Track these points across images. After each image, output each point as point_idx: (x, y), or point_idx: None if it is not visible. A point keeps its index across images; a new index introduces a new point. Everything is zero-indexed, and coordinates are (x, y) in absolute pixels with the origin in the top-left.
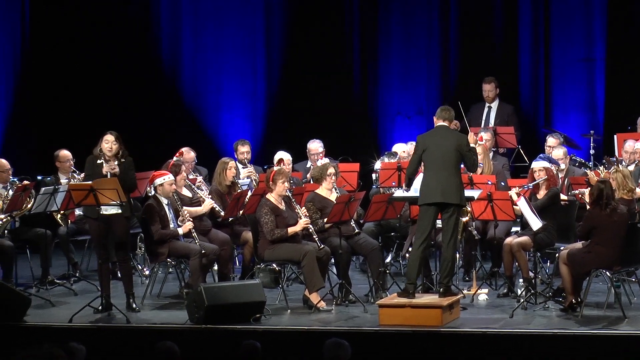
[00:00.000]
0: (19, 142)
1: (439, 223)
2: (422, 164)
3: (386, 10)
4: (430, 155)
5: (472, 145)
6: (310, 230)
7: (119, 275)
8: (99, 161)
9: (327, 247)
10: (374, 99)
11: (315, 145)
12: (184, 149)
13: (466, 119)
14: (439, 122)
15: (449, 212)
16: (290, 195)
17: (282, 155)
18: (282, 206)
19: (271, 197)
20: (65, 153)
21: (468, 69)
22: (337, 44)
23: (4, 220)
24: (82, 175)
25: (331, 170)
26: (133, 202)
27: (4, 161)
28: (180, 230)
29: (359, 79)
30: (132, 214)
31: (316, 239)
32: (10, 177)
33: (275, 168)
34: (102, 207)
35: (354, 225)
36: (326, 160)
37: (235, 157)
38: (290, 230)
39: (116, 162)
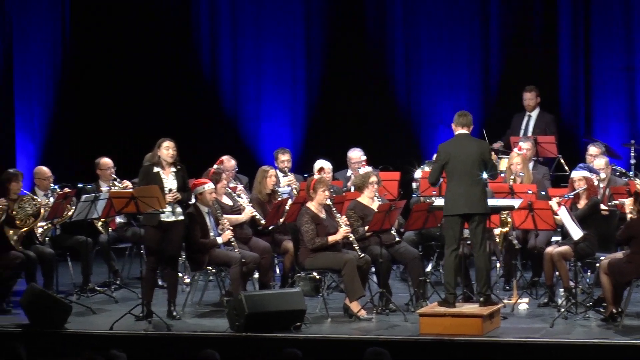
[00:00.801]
0: (60, 150)
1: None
2: (445, 173)
3: (429, 19)
4: (453, 165)
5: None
6: (351, 239)
7: (160, 282)
8: (154, 170)
9: (367, 255)
10: (414, 108)
11: (355, 154)
12: (224, 157)
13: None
14: (458, 130)
15: (475, 221)
16: (330, 203)
17: (323, 163)
18: (323, 215)
19: (312, 205)
20: (106, 161)
21: (509, 77)
22: (378, 52)
23: (45, 227)
24: (124, 183)
25: (373, 178)
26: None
27: (45, 169)
28: (220, 239)
29: (400, 87)
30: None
31: (356, 247)
32: (52, 185)
33: (316, 177)
34: (162, 214)
35: (394, 233)
36: (369, 168)
37: (276, 165)
38: (331, 239)
39: (173, 169)
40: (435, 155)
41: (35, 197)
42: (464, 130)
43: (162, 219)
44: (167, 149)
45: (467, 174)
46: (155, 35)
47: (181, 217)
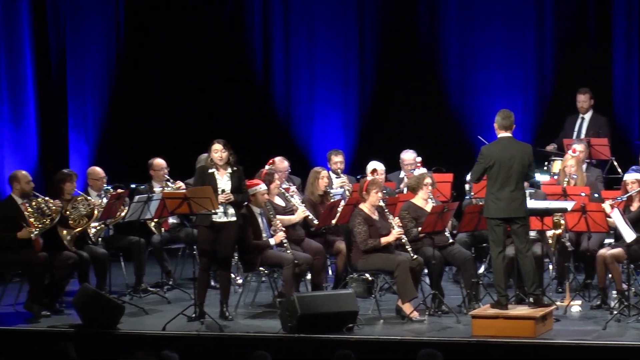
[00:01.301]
0: (113, 151)
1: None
2: (486, 175)
3: (482, 20)
4: (497, 169)
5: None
6: (404, 240)
7: (212, 283)
8: (209, 170)
9: (419, 257)
10: (468, 109)
11: (408, 156)
12: (277, 158)
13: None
14: (501, 132)
15: (517, 224)
16: (383, 205)
17: (376, 165)
18: (375, 216)
19: (364, 207)
20: (159, 161)
21: (563, 79)
22: (431, 53)
23: (98, 228)
24: (177, 183)
25: (428, 180)
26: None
27: (98, 169)
28: (272, 241)
29: (453, 88)
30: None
31: (409, 249)
32: (105, 185)
33: (369, 178)
34: (215, 215)
35: (448, 235)
36: (423, 170)
37: (329, 167)
38: (384, 240)
39: (229, 170)
40: (478, 157)
41: (88, 198)
42: (507, 133)
43: (214, 220)
44: (215, 152)
45: (510, 178)
46: (209, 36)
47: (234, 219)
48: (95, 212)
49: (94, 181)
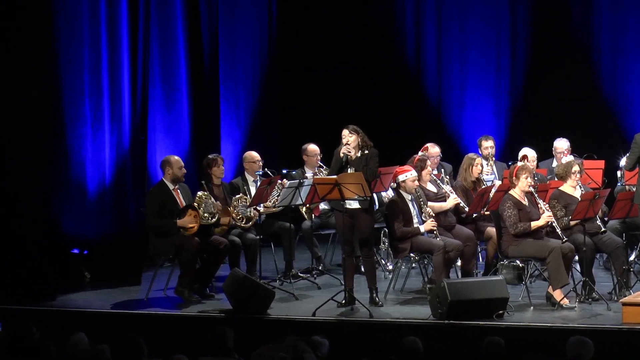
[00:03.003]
0: (265, 136)
1: None
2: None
3: (636, 4)
4: None
5: None
6: (554, 223)
7: (362, 269)
8: (341, 155)
9: (569, 242)
10: (620, 95)
11: (562, 144)
12: (428, 144)
13: None
14: None
15: None
16: (533, 190)
17: (526, 151)
18: (525, 202)
19: (514, 192)
20: (313, 147)
21: None
22: (583, 38)
23: (253, 214)
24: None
25: (576, 167)
26: (377, 196)
27: (254, 153)
28: (422, 228)
29: (606, 74)
30: (373, 208)
31: (559, 232)
32: (261, 170)
33: (519, 164)
34: (346, 201)
35: (599, 223)
36: (571, 157)
37: (480, 152)
38: (534, 224)
39: (359, 153)
40: (632, 144)
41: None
42: None
43: (346, 206)
44: (343, 137)
45: None
46: (360, 23)
47: (356, 205)
48: (247, 199)
49: (250, 164)
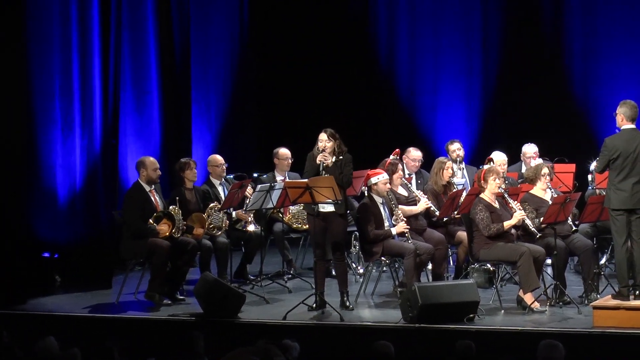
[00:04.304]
0: (236, 140)
1: None
2: (609, 167)
3: (607, 9)
4: (621, 160)
5: None
6: (526, 222)
7: (334, 273)
8: (317, 160)
9: (541, 247)
10: (591, 99)
11: (529, 148)
12: (411, 148)
13: None
14: (625, 124)
15: (638, 214)
16: (505, 193)
17: (496, 155)
18: (496, 204)
19: (485, 196)
20: (284, 151)
21: None
22: (554, 42)
23: (225, 224)
24: None
25: (545, 170)
26: (350, 200)
27: (217, 156)
28: (394, 230)
29: (577, 78)
30: (347, 212)
31: (533, 229)
32: (224, 173)
33: (485, 167)
34: (319, 204)
35: (570, 223)
36: (540, 160)
37: (448, 156)
38: (506, 224)
39: (333, 158)
40: (602, 148)
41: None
42: (631, 125)
43: (319, 210)
44: (320, 141)
45: (633, 169)
46: (332, 25)
47: (330, 209)
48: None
49: (214, 167)
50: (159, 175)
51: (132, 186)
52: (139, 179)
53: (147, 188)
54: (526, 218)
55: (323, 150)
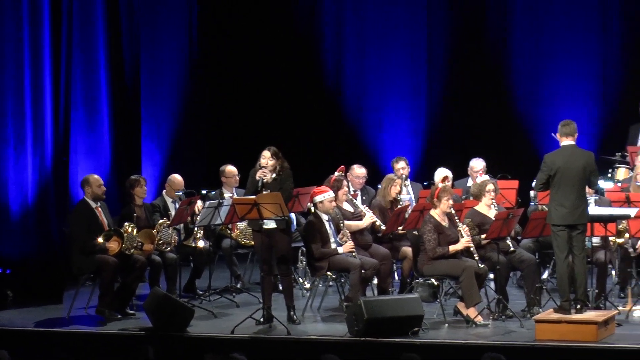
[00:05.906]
0: (185, 158)
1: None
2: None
3: (549, 30)
4: (561, 176)
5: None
6: (472, 249)
7: (280, 288)
8: (257, 177)
9: (485, 266)
10: (534, 117)
11: (477, 164)
12: (355, 165)
13: None
14: (563, 140)
15: (579, 229)
16: (453, 212)
17: (445, 172)
18: (445, 223)
19: (435, 213)
20: (230, 168)
21: (628, 89)
22: (498, 63)
23: (174, 240)
24: None
25: (490, 186)
26: (296, 216)
27: (179, 178)
28: (340, 249)
29: (520, 97)
30: (290, 228)
31: (476, 257)
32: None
33: (440, 185)
34: (263, 221)
35: (509, 242)
36: (486, 177)
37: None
38: (452, 248)
39: (273, 175)
40: (542, 165)
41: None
42: (570, 141)
43: (263, 226)
44: (263, 158)
45: (573, 185)
46: (281, 45)
47: (273, 225)
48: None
49: (172, 190)
50: (104, 191)
51: (78, 203)
52: (85, 197)
53: (93, 205)
54: (472, 245)
55: (264, 167)
